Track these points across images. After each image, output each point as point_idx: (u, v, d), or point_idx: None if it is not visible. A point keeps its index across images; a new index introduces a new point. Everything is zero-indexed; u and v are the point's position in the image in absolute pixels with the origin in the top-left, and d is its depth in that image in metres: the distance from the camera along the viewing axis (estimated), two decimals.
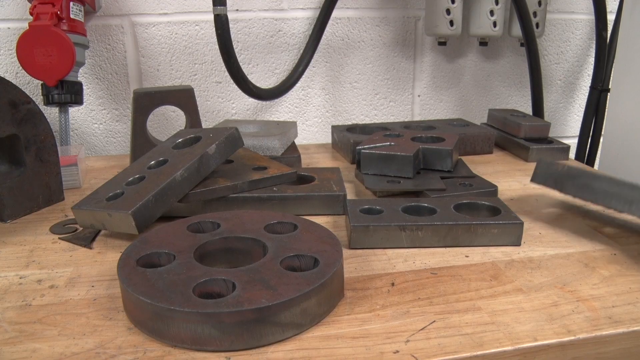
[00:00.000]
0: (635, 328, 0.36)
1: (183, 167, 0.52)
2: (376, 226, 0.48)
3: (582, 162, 0.98)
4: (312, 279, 0.36)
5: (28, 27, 0.69)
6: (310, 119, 0.96)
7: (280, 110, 0.94)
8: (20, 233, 0.53)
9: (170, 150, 0.58)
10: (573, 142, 1.04)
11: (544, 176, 0.55)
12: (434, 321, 0.37)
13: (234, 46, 0.78)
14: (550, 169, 0.54)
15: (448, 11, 0.87)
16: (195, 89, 0.71)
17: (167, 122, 0.90)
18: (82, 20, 0.75)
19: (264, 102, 0.92)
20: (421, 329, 0.36)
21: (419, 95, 0.99)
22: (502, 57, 1.01)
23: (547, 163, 0.55)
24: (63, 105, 0.76)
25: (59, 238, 0.51)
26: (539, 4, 0.92)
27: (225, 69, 0.78)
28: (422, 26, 0.95)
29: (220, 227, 0.46)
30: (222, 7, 0.73)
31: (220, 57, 0.77)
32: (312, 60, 0.90)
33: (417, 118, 1.00)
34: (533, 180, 0.56)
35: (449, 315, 0.38)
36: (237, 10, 0.87)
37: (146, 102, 0.68)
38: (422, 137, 0.70)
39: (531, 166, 0.74)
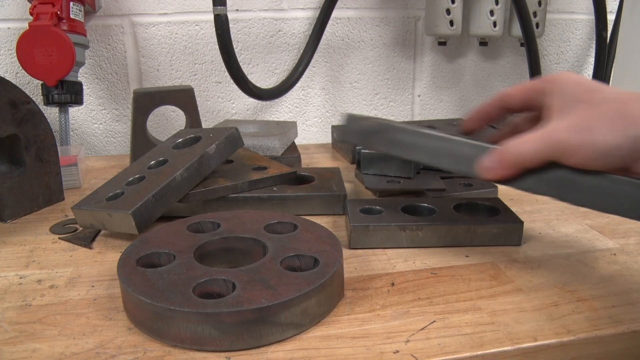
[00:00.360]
0: (635, 328, 0.36)
1: (183, 167, 0.52)
2: (376, 226, 0.48)
3: None
4: (312, 279, 0.36)
5: (28, 27, 0.69)
6: (310, 119, 0.96)
7: (280, 110, 0.94)
8: (20, 233, 0.53)
9: (170, 150, 0.58)
10: None
11: (350, 133, 0.49)
12: (434, 321, 0.37)
13: (234, 46, 0.78)
14: (357, 124, 0.48)
15: (448, 11, 0.87)
16: (195, 89, 0.71)
17: (167, 122, 0.90)
18: (82, 20, 0.75)
19: (264, 102, 0.92)
20: (421, 329, 0.36)
21: (419, 95, 0.99)
22: (502, 57, 1.01)
23: (353, 118, 0.49)
24: (63, 105, 0.76)
25: (59, 238, 0.51)
26: (539, 4, 0.92)
27: (225, 69, 0.78)
28: (422, 26, 0.95)
29: (220, 227, 0.46)
30: (222, 7, 0.73)
31: (220, 57, 0.77)
32: (312, 60, 0.90)
33: (417, 118, 1.00)
34: (340, 137, 0.50)
35: (449, 315, 0.38)
36: (237, 10, 0.87)
37: (146, 102, 0.68)
38: None
39: None
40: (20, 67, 0.71)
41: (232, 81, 0.80)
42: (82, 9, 0.75)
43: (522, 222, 0.48)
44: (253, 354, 0.34)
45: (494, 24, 0.90)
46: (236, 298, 0.34)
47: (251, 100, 0.91)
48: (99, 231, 0.53)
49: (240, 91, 0.82)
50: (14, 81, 0.80)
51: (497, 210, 0.51)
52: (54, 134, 0.60)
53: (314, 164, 0.76)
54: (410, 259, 0.46)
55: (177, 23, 0.86)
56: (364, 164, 0.63)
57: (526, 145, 0.37)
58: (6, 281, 0.43)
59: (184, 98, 0.70)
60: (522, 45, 0.95)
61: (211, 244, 0.43)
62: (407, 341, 0.35)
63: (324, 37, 0.90)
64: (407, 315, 0.38)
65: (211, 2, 0.73)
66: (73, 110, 0.86)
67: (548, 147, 0.36)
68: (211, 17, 0.76)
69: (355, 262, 0.46)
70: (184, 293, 0.35)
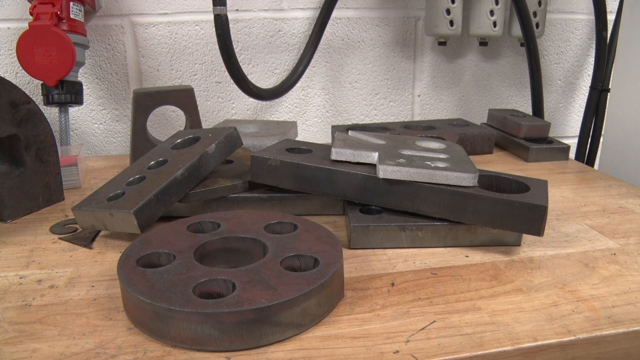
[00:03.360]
0: (635, 328, 0.36)
1: (184, 167, 0.52)
2: (376, 226, 0.48)
3: (582, 162, 0.98)
4: (312, 279, 0.36)
5: (28, 27, 0.69)
6: (310, 119, 0.96)
7: (280, 110, 0.94)
8: (20, 233, 0.53)
9: (170, 151, 0.58)
10: (573, 142, 1.04)
11: (260, 176, 0.53)
12: (434, 321, 0.37)
13: (234, 46, 0.78)
14: (263, 166, 0.53)
15: (448, 11, 0.87)
16: (195, 89, 0.71)
17: (167, 122, 0.90)
18: (82, 20, 0.75)
19: (264, 102, 0.92)
20: (421, 329, 0.36)
21: (419, 95, 0.99)
22: (502, 57, 1.01)
23: (259, 159, 0.53)
24: (63, 105, 0.76)
25: (59, 238, 0.51)
26: (539, 4, 0.92)
27: (225, 69, 0.78)
28: (422, 26, 0.95)
29: (220, 227, 0.46)
30: (222, 7, 0.73)
31: (220, 57, 0.77)
32: (312, 60, 0.90)
33: (417, 118, 1.00)
34: (253, 179, 0.54)
35: (449, 315, 0.38)
36: (237, 10, 0.87)
37: (146, 102, 0.68)
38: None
39: (531, 166, 0.74)
40: (20, 67, 0.71)
41: (232, 81, 0.80)
42: (82, 9, 0.75)
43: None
44: (253, 354, 0.34)
45: (494, 24, 0.90)
46: (236, 298, 0.34)
47: (251, 100, 0.91)
48: (99, 231, 0.53)
49: (240, 91, 0.82)
50: (14, 81, 0.80)
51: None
52: (54, 134, 0.60)
53: None
54: (410, 259, 0.46)
55: (177, 23, 0.86)
56: None
57: None
58: (6, 281, 0.43)
59: (184, 98, 0.70)
60: (522, 45, 0.95)
61: (211, 244, 0.43)
62: (407, 341, 0.35)
63: (324, 37, 0.90)
64: (407, 315, 0.38)
65: (211, 2, 0.73)
66: (73, 110, 0.86)
67: None
68: (211, 17, 0.77)
69: (355, 262, 0.46)
70: (184, 293, 0.35)
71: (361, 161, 0.52)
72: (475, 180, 0.48)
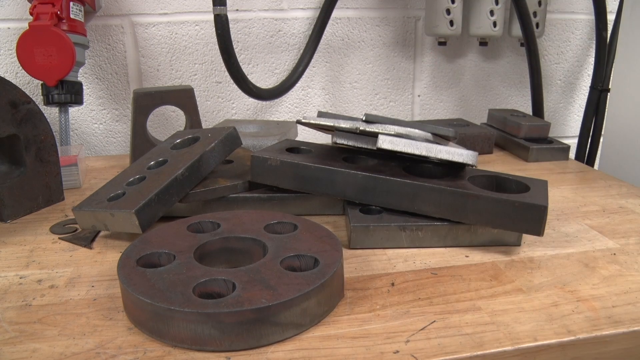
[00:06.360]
0: (635, 328, 0.36)
1: (184, 166, 0.52)
2: (376, 226, 0.48)
3: (582, 162, 0.98)
4: (312, 279, 0.36)
5: (28, 27, 0.69)
6: None
7: (280, 110, 0.94)
8: (20, 233, 0.53)
9: (169, 151, 0.58)
10: (573, 142, 1.04)
11: (260, 176, 0.53)
12: (434, 321, 0.37)
13: (234, 46, 0.78)
14: (263, 166, 0.53)
15: (448, 11, 0.87)
16: (195, 89, 0.71)
17: (167, 122, 0.90)
18: (82, 20, 0.75)
19: (264, 102, 0.92)
20: (421, 329, 0.36)
21: (419, 95, 0.99)
22: (502, 57, 1.01)
23: (259, 159, 0.53)
24: (63, 105, 0.76)
25: (59, 238, 0.51)
26: (539, 4, 0.92)
27: (225, 69, 0.78)
28: (422, 26, 0.95)
29: (220, 227, 0.46)
30: (222, 7, 0.73)
31: (220, 57, 0.77)
32: (312, 60, 0.90)
33: (417, 118, 1.00)
34: (253, 179, 0.54)
35: (449, 315, 0.38)
36: (237, 10, 0.87)
37: (146, 102, 0.68)
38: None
39: (532, 166, 0.74)
40: (20, 67, 0.71)
41: (232, 81, 0.80)
42: (82, 9, 0.75)
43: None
44: (253, 354, 0.34)
45: (494, 24, 0.90)
46: (236, 298, 0.34)
47: (251, 100, 0.91)
48: (99, 231, 0.53)
49: (240, 91, 0.82)
50: (14, 81, 0.80)
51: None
52: (54, 134, 0.60)
53: None
54: (410, 259, 0.46)
55: (177, 23, 0.86)
56: None
57: None
58: (6, 281, 0.43)
59: (184, 98, 0.70)
60: (522, 45, 0.95)
61: (211, 244, 0.43)
62: (407, 341, 0.35)
63: (324, 37, 0.90)
64: (407, 315, 0.38)
65: (211, 2, 0.73)
66: (73, 110, 0.86)
67: None
68: (211, 17, 0.77)
69: (355, 262, 0.46)
70: (184, 293, 0.35)
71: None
72: (475, 159, 0.47)
